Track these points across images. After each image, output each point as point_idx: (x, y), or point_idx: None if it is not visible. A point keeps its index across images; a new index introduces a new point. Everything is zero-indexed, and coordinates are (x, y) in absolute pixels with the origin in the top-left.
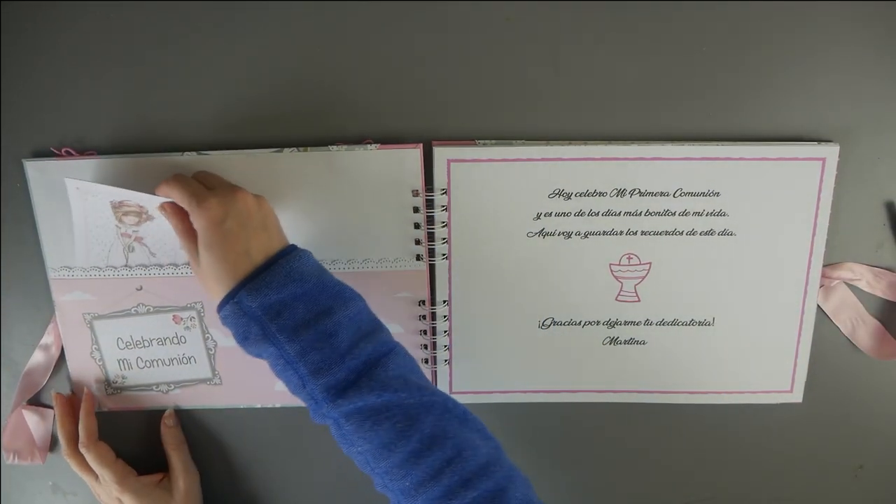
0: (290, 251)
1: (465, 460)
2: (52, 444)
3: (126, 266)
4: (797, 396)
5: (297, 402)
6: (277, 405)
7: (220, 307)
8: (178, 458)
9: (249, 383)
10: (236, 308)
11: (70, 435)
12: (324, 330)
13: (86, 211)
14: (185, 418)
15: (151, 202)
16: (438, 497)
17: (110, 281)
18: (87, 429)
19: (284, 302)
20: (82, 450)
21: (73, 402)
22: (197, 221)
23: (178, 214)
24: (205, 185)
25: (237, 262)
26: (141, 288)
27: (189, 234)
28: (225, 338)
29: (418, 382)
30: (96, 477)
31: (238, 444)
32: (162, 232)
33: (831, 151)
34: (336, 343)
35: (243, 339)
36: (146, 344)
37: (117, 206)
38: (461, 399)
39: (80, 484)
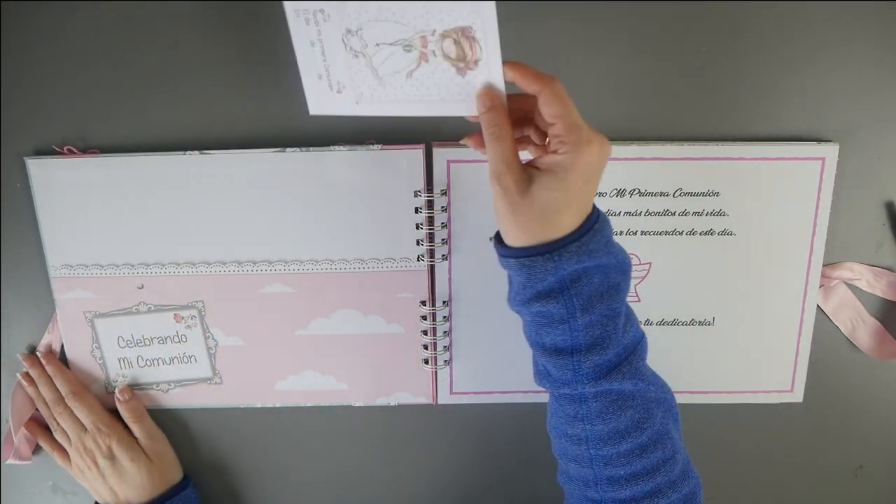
0: (599, 214)
1: (675, 463)
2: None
3: (376, 45)
4: (797, 396)
5: (297, 401)
6: (277, 405)
7: (524, 254)
8: (140, 429)
9: (250, 383)
10: (550, 265)
11: (54, 392)
12: (613, 308)
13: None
14: (186, 417)
15: (492, 76)
16: (646, 493)
17: (112, 279)
18: (69, 381)
19: (588, 270)
20: (74, 402)
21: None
22: (570, 156)
23: (509, 119)
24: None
25: (574, 214)
26: (142, 286)
27: (515, 147)
28: (226, 337)
29: (657, 374)
30: (84, 429)
31: (238, 443)
32: (443, 82)
33: (831, 151)
34: (617, 324)
35: (534, 294)
36: (147, 343)
37: (466, 36)
38: (461, 399)
39: (80, 484)
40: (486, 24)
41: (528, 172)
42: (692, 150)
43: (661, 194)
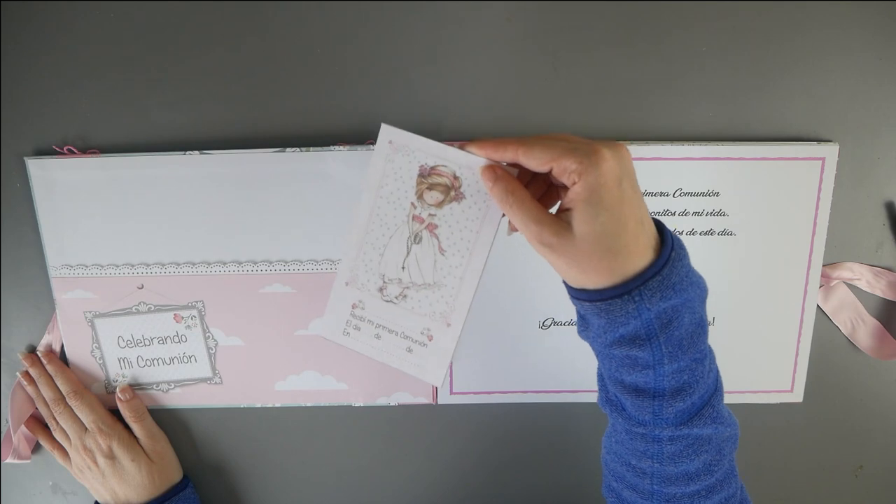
0: (674, 239)
1: (736, 500)
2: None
3: (402, 269)
4: (797, 396)
5: (296, 402)
6: (277, 405)
7: (599, 297)
8: (141, 428)
9: (249, 383)
10: (631, 307)
11: (54, 391)
12: (701, 350)
13: (384, 176)
14: (186, 417)
15: (476, 170)
16: None
17: (112, 279)
18: (70, 381)
19: (676, 308)
20: (74, 402)
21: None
22: (589, 178)
23: (515, 180)
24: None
25: (637, 232)
26: (142, 286)
27: (534, 201)
28: (226, 337)
29: (729, 410)
30: (85, 429)
31: (238, 443)
32: (464, 220)
33: (831, 151)
34: (704, 367)
35: (616, 339)
36: (147, 342)
37: (426, 175)
38: (461, 399)
39: (79, 484)
40: (421, 148)
41: (564, 218)
42: (692, 150)
43: (661, 194)
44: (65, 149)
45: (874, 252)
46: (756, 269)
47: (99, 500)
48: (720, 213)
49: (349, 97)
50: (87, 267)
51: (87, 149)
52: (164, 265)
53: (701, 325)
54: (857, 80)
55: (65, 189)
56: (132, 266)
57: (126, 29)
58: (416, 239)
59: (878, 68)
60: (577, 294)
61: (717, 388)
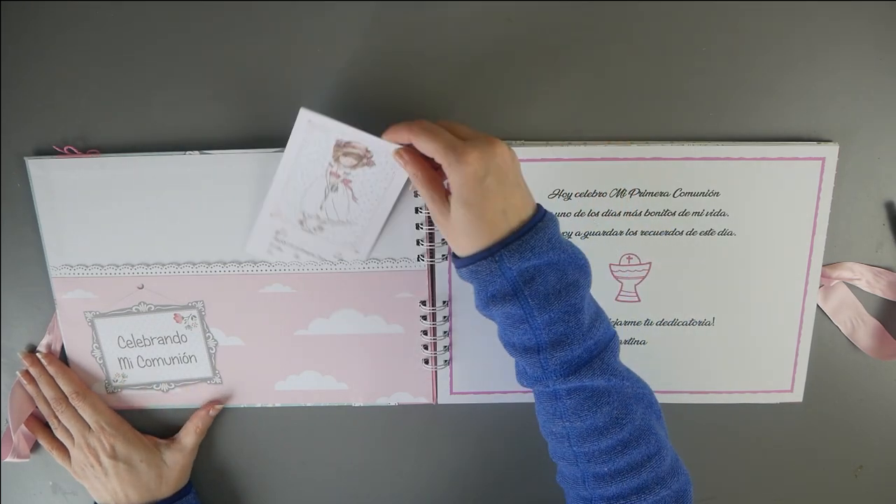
0: (544, 214)
1: (662, 459)
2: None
3: (320, 209)
4: (797, 396)
5: (296, 402)
6: (277, 405)
7: (470, 261)
8: (193, 442)
9: (249, 383)
10: (493, 266)
11: (55, 389)
12: (572, 304)
13: (304, 142)
14: (185, 417)
15: (385, 148)
16: (633, 489)
17: (111, 279)
18: (73, 381)
19: (539, 268)
20: (78, 402)
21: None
22: (455, 176)
23: (420, 164)
24: (455, 135)
25: (494, 220)
26: (142, 286)
27: (434, 183)
28: (226, 337)
29: (633, 372)
30: (88, 428)
31: (238, 443)
32: (374, 179)
33: (831, 151)
34: (580, 319)
35: (489, 297)
36: (147, 343)
37: (342, 146)
38: (461, 399)
39: (79, 484)
40: (336, 129)
41: (449, 200)
42: (692, 150)
43: (661, 194)
44: (65, 149)
45: (874, 252)
46: (756, 269)
47: (98, 500)
48: (720, 213)
49: (349, 97)
50: (87, 267)
51: (87, 149)
52: (164, 265)
53: (574, 286)
54: (857, 80)
55: (65, 189)
56: (132, 266)
57: (126, 29)
58: (333, 188)
59: (878, 68)
60: (457, 263)
61: (608, 346)
